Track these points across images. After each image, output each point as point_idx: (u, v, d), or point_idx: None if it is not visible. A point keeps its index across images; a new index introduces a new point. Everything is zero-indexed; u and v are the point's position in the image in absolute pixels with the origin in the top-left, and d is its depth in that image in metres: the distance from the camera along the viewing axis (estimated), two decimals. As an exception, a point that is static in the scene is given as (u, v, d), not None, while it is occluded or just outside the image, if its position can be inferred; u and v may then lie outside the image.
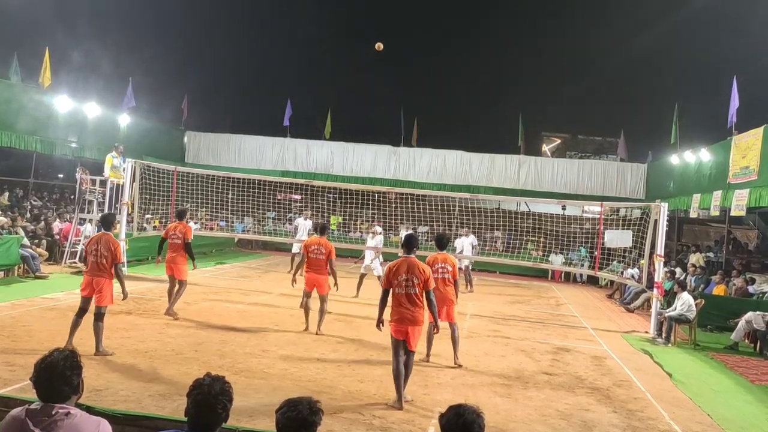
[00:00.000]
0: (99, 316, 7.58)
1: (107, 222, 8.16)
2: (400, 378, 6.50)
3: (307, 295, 9.77)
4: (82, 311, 7.67)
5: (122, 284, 7.82)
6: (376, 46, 16.76)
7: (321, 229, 10.09)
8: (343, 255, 21.85)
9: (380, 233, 15.11)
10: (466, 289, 15.97)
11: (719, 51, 30.11)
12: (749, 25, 27.42)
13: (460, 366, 8.36)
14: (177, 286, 10.30)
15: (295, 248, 16.47)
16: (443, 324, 8.22)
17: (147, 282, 13.72)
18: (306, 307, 9.78)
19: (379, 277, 13.67)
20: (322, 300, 9.77)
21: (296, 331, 9.74)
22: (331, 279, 9.82)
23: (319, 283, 9.70)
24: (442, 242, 8.66)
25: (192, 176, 17.66)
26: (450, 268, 8.38)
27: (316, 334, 9.53)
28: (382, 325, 6.73)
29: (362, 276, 14.07)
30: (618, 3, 36.38)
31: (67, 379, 2.81)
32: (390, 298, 6.67)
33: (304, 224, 17.17)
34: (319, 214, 22.87)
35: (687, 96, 25.90)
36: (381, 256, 14.47)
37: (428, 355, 8.54)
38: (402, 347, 6.58)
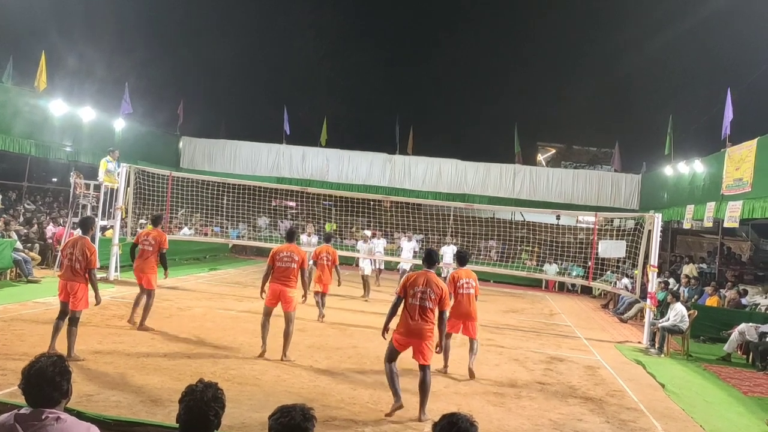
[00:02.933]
0: (73, 321, 7.46)
1: (85, 225, 7.89)
2: (394, 379, 6.43)
3: (266, 313, 8.41)
4: (63, 314, 7.58)
5: (96, 290, 7.58)
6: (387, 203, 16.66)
7: (290, 235, 8.89)
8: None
9: (370, 237, 15.40)
10: None
11: (713, 63, 30.38)
12: (743, 38, 27.64)
13: (471, 372, 8.39)
14: (145, 297, 9.51)
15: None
16: (462, 338, 8.69)
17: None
18: (264, 326, 8.41)
19: (363, 276, 14.08)
20: (288, 319, 8.36)
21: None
22: (299, 292, 8.71)
23: (285, 297, 8.33)
24: (465, 258, 8.87)
25: (187, 182, 17.62)
26: (474, 284, 8.54)
27: (281, 360, 8.22)
28: (387, 333, 6.60)
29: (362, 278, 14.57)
30: (613, 15, 36.63)
31: (56, 384, 2.79)
32: (400, 309, 6.55)
33: (308, 241, 15.89)
34: (315, 220, 22.84)
35: (681, 108, 26.10)
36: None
37: (446, 366, 8.51)
38: (396, 358, 6.50)
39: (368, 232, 15.93)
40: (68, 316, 7.51)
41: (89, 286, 7.62)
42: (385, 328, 6.60)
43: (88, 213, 14.69)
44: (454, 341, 8.90)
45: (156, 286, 9.74)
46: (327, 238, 12.82)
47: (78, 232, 7.96)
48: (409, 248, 17.29)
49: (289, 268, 8.39)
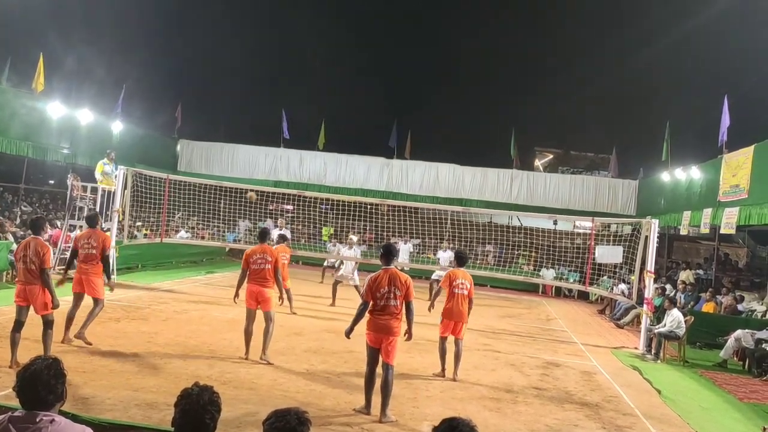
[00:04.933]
0: (48, 324, 7.18)
1: (36, 226, 7.46)
2: (371, 385, 6.57)
3: (250, 316, 8.43)
4: (18, 324, 7.07)
5: (51, 292, 7.10)
6: (249, 195, 15.67)
7: (261, 235, 9.05)
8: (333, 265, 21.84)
9: (356, 242, 15.10)
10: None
11: (711, 70, 30.47)
12: (740, 45, 27.76)
13: (456, 380, 8.41)
14: (93, 305, 8.53)
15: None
16: (450, 338, 8.67)
17: (136, 290, 13.64)
18: (248, 332, 8.38)
19: (356, 287, 13.79)
20: (268, 318, 8.47)
21: (285, 341, 9.70)
22: (276, 293, 8.74)
23: (263, 297, 8.44)
24: (463, 259, 9.04)
25: (184, 185, 17.60)
26: (468, 285, 8.68)
27: (260, 359, 8.30)
28: (350, 335, 6.68)
29: (336, 284, 14.10)
30: (611, 22, 36.76)
31: (51, 387, 2.78)
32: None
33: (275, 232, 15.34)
34: (311, 224, 22.84)
35: (678, 114, 26.11)
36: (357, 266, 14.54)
37: (443, 369, 8.59)
38: (377, 358, 6.58)
39: (354, 237, 15.52)
40: (42, 322, 7.18)
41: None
42: (350, 330, 6.68)
43: (85, 215, 14.63)
44: (448, 345, 8.86)
45: (101, 293, 8.65)
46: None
47: (30, 232, 7.61)
48: (446, 258, 16.84)
49: (263, 269, 8.51)
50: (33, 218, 7.98)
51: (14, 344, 7.03)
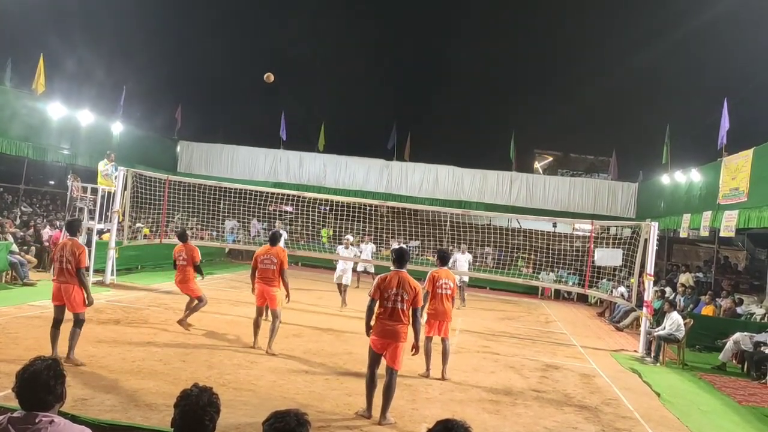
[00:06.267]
0: (78, 323, 7.45)
1: (72, 227, 7.98)
2: (372, 389, 6.52)
3: (259, 312, 9.22)
4: (57, 322, 7.50)
5: (86, 290, 7.56)
6: (266, 77, 16.24)
7: (272, 239, 9.53)
8: (331, 267, 21.83)
9: (352, 243, 15.10)
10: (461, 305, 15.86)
11: (711, 73, 30.53)
12: (740, 48, 27.81)
13: (445, 379, 8.45)
14: (195, 302, 10.46)
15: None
16: (436, 338, 8.74)
17: (136, 291, 13.64)
18: (256, 324, 9.18)
19: (345, 286, 13.91)
20: (274, 315, 9.09)
21: (285, 342, 9.69)
22: (282, 291, 9.28)
23: (270, 295, 9.08)
24: (446, 258, 9.06)
25: (184, 186, 17.59)
26: (452, 285, 8.72)
27: (266, 353, 8.81)
28: (369, 332, 6.65)
29: (339, 285, 14.12)
30: (611, 24, 36.84)
31: (50, 388, 2.78)
32: (375, 310, 6.62)
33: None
34: (311, 226, 22.83)
35: (678, 117, 26.16)
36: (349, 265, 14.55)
37: (428, 369, 8.59)
38: (378, 362, 6.55)
39: (350, 237, 15.42)
40: (72, 319, 7.46)
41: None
42: (368, 328, 6.65)
43: (85, 216, 14.64)
44: (435, 345, 8.84)
45: (199, 292, 10.48)
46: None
47: (65, 234, 8.01)
48: (464, 261, 16.49)
49: (268, 269, 9.14)
50: (69, 221, 8.65)
51: (53, 339, 7.46)
